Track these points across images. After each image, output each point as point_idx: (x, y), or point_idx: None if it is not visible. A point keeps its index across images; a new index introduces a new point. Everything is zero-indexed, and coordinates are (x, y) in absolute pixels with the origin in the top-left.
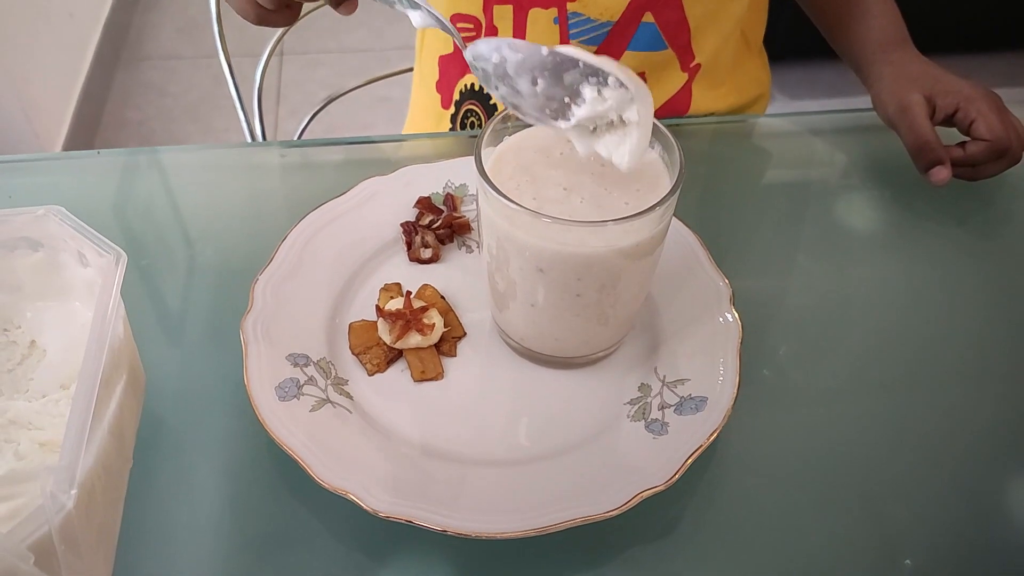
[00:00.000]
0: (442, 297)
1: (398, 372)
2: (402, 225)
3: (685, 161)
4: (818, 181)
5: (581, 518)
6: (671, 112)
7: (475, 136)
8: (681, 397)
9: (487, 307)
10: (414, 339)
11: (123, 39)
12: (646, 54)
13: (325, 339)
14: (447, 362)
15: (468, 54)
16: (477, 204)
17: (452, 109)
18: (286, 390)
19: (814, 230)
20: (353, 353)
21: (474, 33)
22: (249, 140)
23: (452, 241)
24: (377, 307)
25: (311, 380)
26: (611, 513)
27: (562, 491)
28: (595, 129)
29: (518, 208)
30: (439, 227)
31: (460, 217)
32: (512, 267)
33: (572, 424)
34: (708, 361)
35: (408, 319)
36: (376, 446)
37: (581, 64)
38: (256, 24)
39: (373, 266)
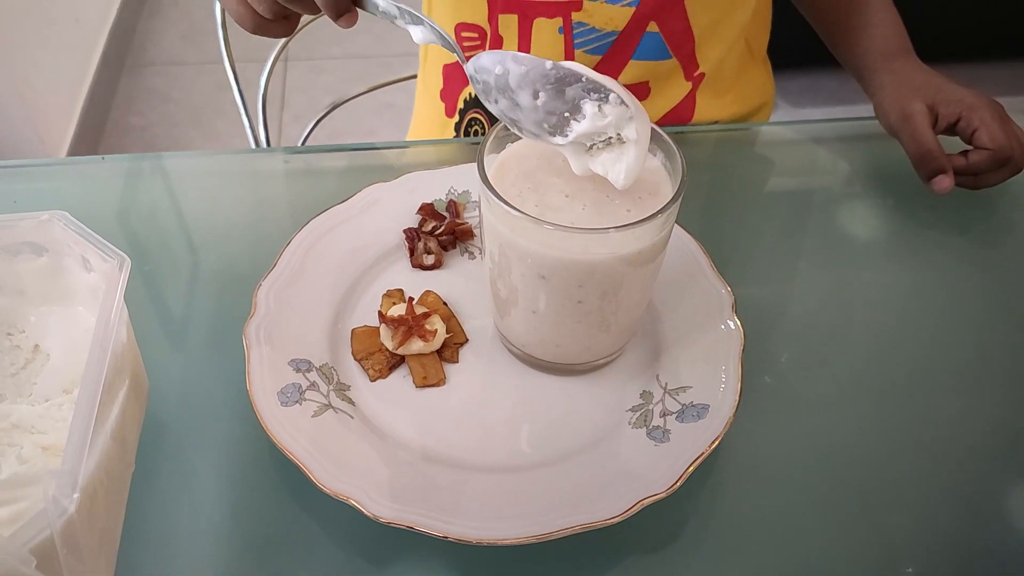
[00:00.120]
0: (444, 303)
1: (400, 378)
2: (405, 231)
3: (687, 169)
4: (820, 189)
5: (582, 525)
6: (675, 121)
7: (478, 143)
8: (683, 404)
9: (489, 313)
10: (416, 345)
11: (128, 45)
12: (650, 63)
13: (327, 345)
14: (449, 368)
15: (470, 66)
16: (480, 211)
17: (456, 118)
18: (288, 395)
19: (816, 238)
20: (355, 359)
21: (479, 42)
22: (253, 146)
23: (455, 247)
24: (379, 313)
25: (313, 385)
26: (612, 520)
27: (563, 498)
28: (591, 148)
29: (520, 215)
30: (442, 233)
31: (463, 224)
32: (514, 274)
33: (573, 431)
34: (710, 368)
35: (410, 325)
36: (378, 451)
37: (584, 79)
38: (252, 32)
39: (376, 272)
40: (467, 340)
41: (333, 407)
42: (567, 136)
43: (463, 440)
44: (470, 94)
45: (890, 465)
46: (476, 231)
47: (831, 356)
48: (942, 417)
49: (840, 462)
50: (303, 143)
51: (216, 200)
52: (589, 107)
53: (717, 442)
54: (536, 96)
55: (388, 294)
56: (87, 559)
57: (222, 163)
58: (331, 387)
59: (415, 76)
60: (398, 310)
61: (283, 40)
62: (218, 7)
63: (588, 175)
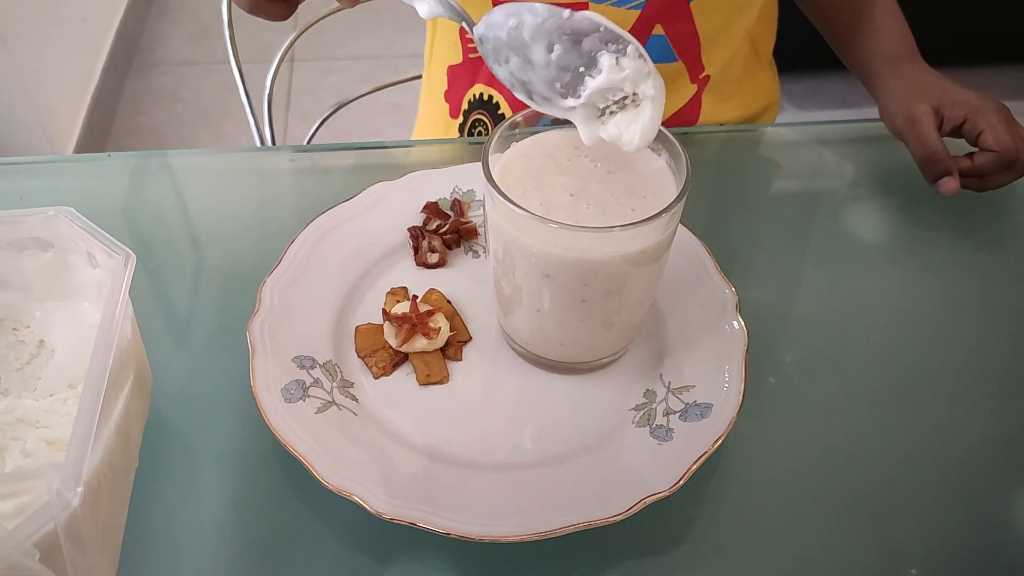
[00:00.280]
0: (448, 301)
1: (403, 375)
2: (409, 230)
3: (692, 169)
4: (825, 191)
5: (585, 523)
6: (681, 123)
7: (483, 143)
8: (686, 404)
9: (493, 312)
10: (420, 343)
11: (135, 45)
12: (656, 66)
13: (331, 342)
14: (452, 366)
15: (480, 25)
16: (484, 209)
17: (460, 119)
18: (292, 392)
19: (820, 240)
20: (359, 356)
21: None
22: (259, 145)
23: (459, 246)
24: (383, 311)
25: (317, 382)
26: (615, 518)
27: (566, 496)
28: (603, 113)
29: (525, 213)
30: (446, 232)
31: (467, 222)
32: (518, 272)
33: (577, 429)
34: (714, 368)
35: (414, 323)
36: (381, 448)
37: (601, 29)
38: (248, 12)
39: (380, 270)
40: (471, 338)
41: (337, 404)
42: (580, 96)
43: (466, 438)
44: (474, 95)
45: (893, 466)
46: (480, 230)
47: (835, 357)
48: (946, 419)
49: (843, 463)
50: (308, 143)
51: (221, 197)
52: (606, 59)
53: (720, 441)
54: (551, 49)
55: (392, 292)
56: (90, 553)
57: (228, 161)
58: (335, 384)
59: (420, 76)
60: (402, 308)
61: (289, 40)
62: (225, 8)
63: (598, 144)
